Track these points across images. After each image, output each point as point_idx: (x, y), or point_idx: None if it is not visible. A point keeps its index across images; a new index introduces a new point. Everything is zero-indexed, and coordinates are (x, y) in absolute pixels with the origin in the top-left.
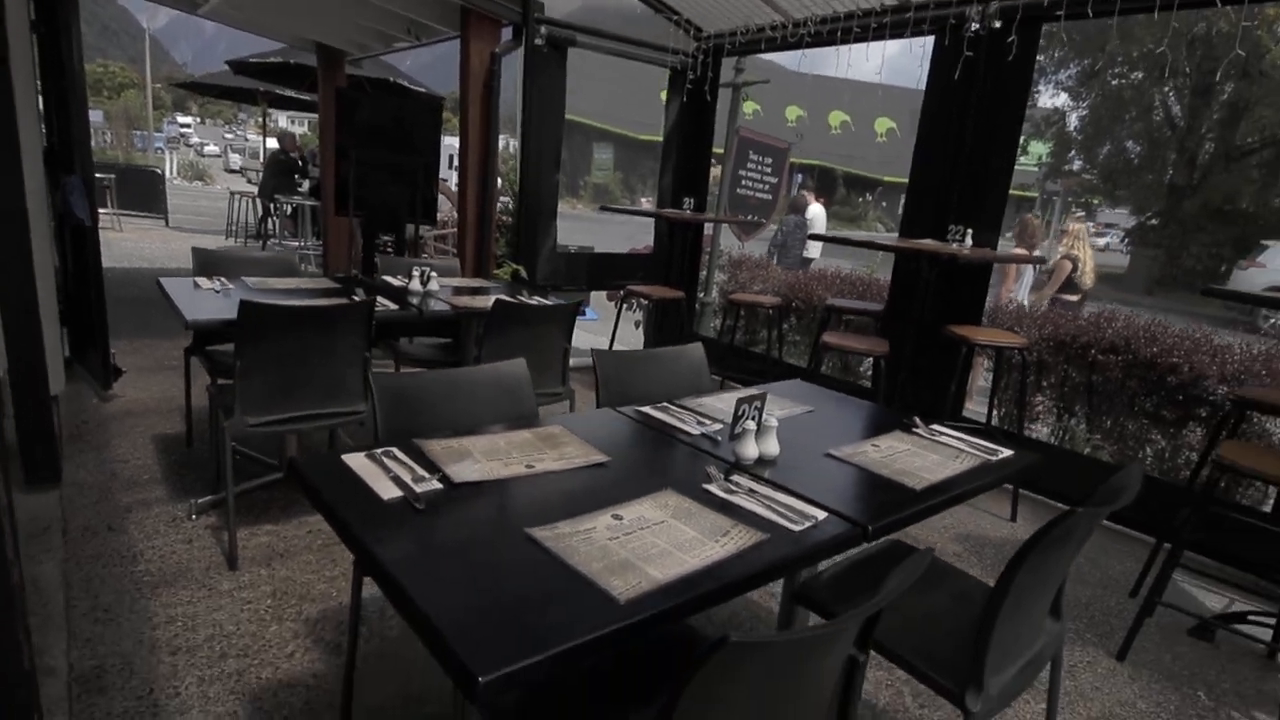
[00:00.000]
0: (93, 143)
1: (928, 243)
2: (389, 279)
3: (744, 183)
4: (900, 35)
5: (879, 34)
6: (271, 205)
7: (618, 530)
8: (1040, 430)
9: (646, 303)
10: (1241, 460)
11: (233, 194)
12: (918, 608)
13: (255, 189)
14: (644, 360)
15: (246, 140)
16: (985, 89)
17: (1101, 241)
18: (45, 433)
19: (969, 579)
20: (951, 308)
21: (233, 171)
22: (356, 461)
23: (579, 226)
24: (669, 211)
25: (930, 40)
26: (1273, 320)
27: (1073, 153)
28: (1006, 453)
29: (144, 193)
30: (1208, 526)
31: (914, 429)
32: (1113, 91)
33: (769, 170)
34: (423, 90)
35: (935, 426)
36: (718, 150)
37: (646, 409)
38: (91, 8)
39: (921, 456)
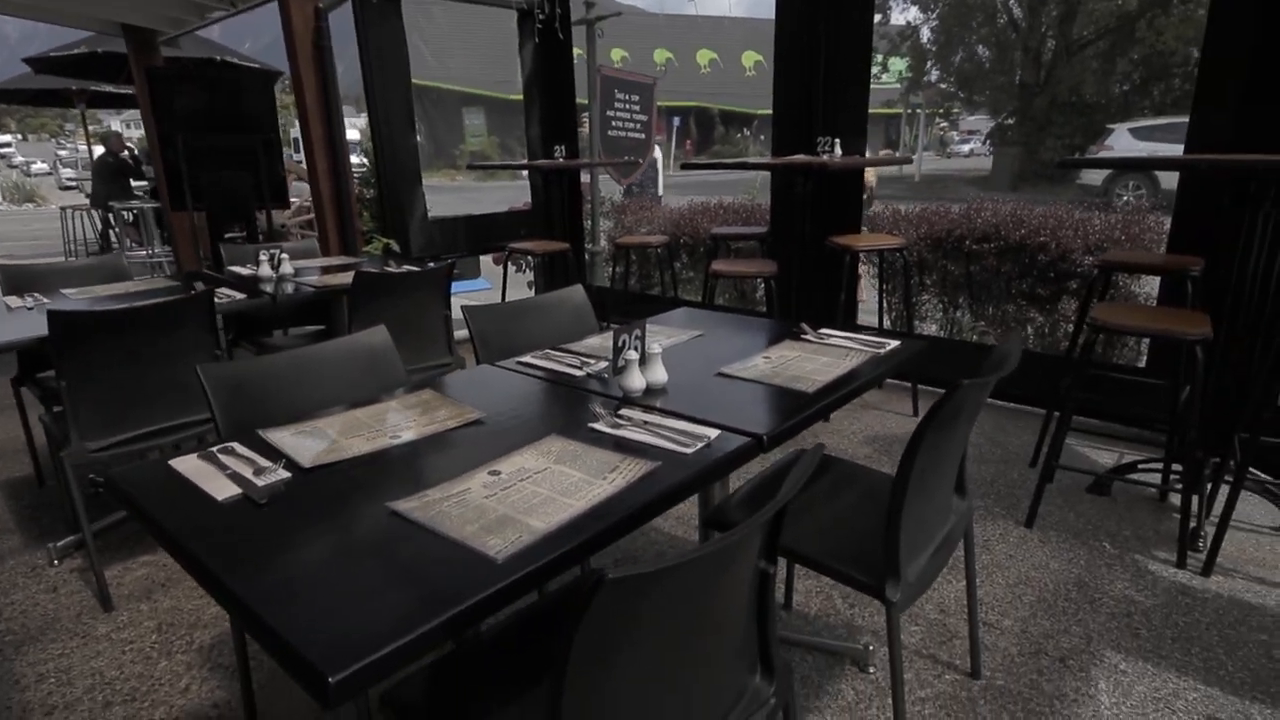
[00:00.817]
0: None
1: (798, 157)
2: (237, 269)
3: (614, 124)
4: None
5: None
6: (109, 214)
7: (495, 486)
8: (930, 327)
9: (534, 260)
10: (1111, 319)
11: (64, 210)
12: (829, 510)
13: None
14: (522, 311)
15: (78, 151)
16: None
17: (966, 148)
18: None
19: (876, 474)
20: (831, 220)
21: (68, 187)
22: (187, 465)
23: (462, 198)
24: (541, 162)
25: None
26: (1125, 197)
27: (929, 64)
28: (893, 344)
29: None
30: (1089, 388)
31: (803, 335)
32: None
33: (638, 108)
34: (256, 66)
35: (825, 330)
36: (582, 101)
37: (527, 358)
38: None
39: (813, 360)
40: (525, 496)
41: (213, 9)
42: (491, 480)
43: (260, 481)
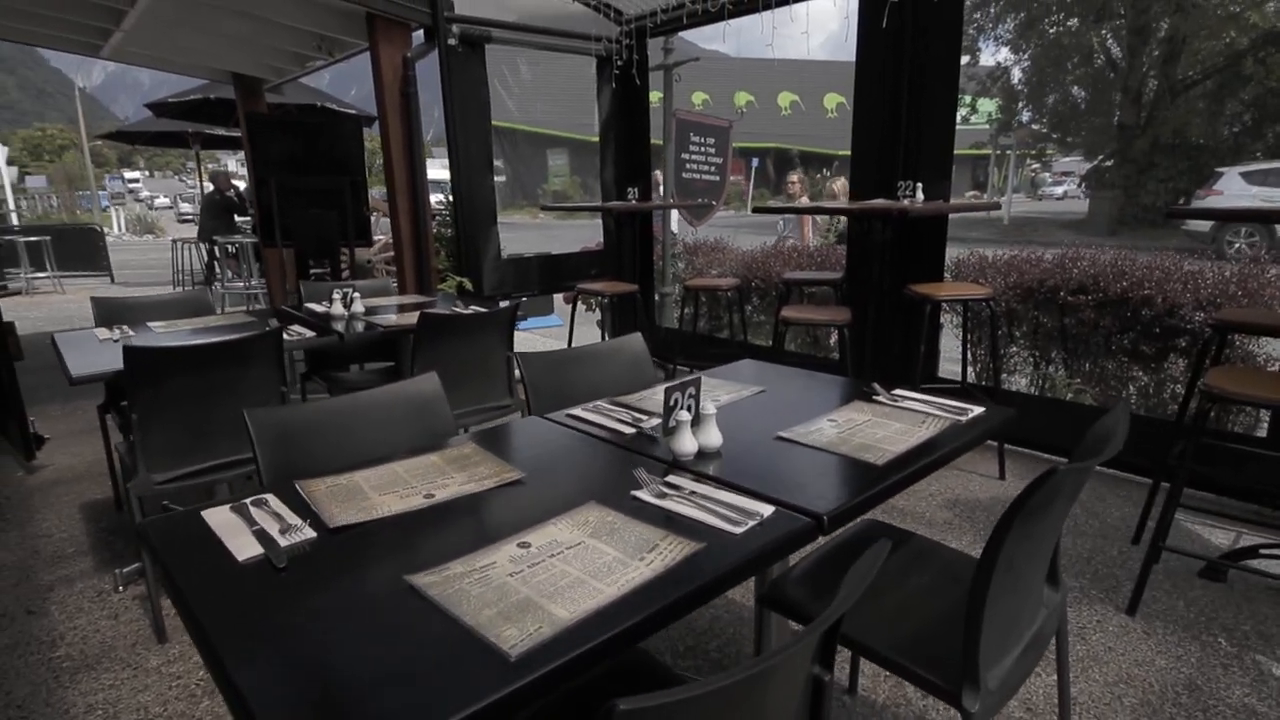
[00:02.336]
0: (39, 207)
1: (877, 202)
2: (313, 306)
3: (689, 166)
4: None
5: None
6: (213, 247)
7: (522, 561)
8: (1019, 381)
9: (603, 300)
10: (1230, 386)
11: (175, 242)
12: (899, 594)
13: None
14: (577, 359)
15: (194, 188)
16: (917, 32)
17: (1059, 190)
18: None
19: (955, 554)
20: (911, 267)
21: (184, 221)
22: (218, 517)
23: (543, 235)
24: (613, 204)
25: None
26: (1237, 245)
27: (1021, 105)
28: (977, 410)
29: (85, 252)
30: (1203, 460)
31: (875, 397)
32: (1052, 40)
33: (713, 151)
34: (353, 112)
35: (899, 391)
36: (657, 142)
37: (576, 410)
38: (23, 73)
39: (884, 426)
40: (553, 577)
41: (311, 59)
42: (520, 554)
43: (284, 540)
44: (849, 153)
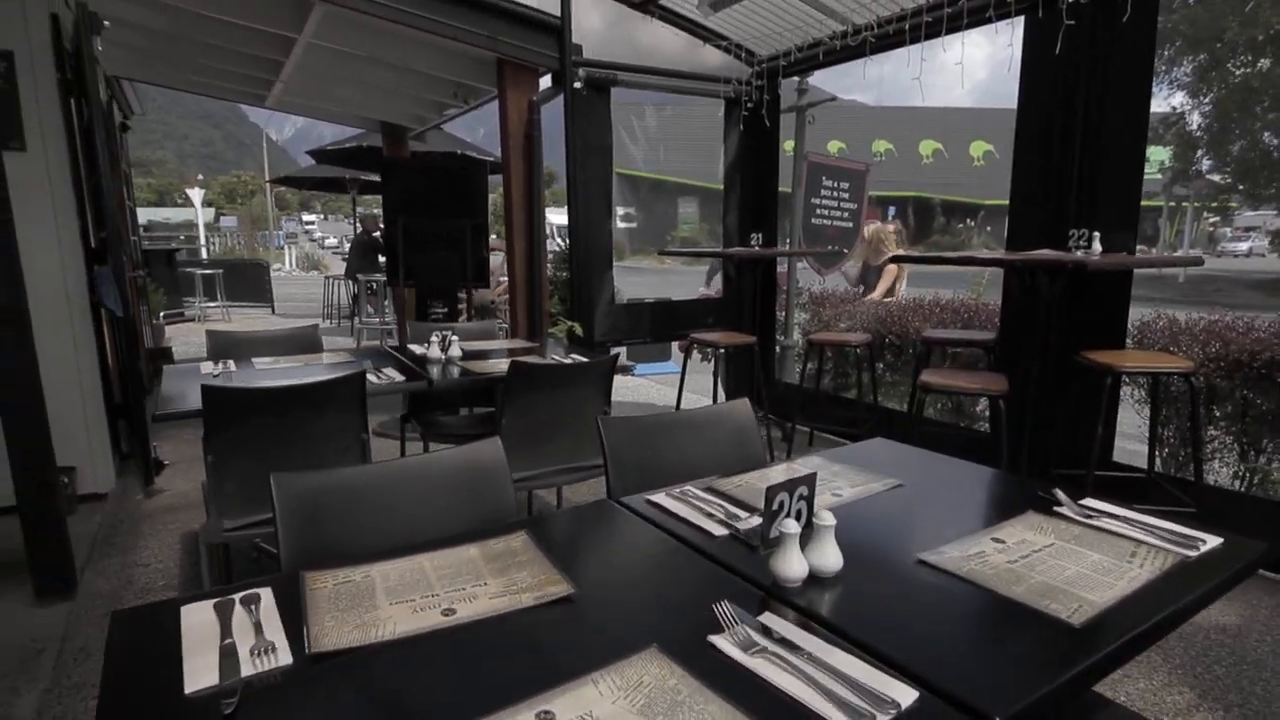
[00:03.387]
0: (228, 243)
1: (1044, 253)
2: (414, 347)
3: (819, 211)
4: (981, 20)
5: (954, 24)
6: (357, 285)
7: None
8: (1219, 471)
9: (718, 352)
10: None
11: (326, 278)
12: None
13: None
14: (669, 427)
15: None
16: (1095, 59)
17: (1244, 247)
18: (54, 544)
19: None
20: (1084, 329)
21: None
22: (196, 616)
23: (666, 280)
24: (734, 250)
25: (1020, 21)
26: None
27: (1199, 153)
28: (1213, 541)
29: (252, 284)
30: None
31: (1057, 507)
32: (1239, 82)
33: (846, 196)
34: (491, 159)
35: (1089, 503)
36: (785, 190)
37: (659, 496)
38: (228, 128)
39: (1075, 557)
40: None
41: (448, 106)
42: None
43: (250, 666)
44: (997, 202)
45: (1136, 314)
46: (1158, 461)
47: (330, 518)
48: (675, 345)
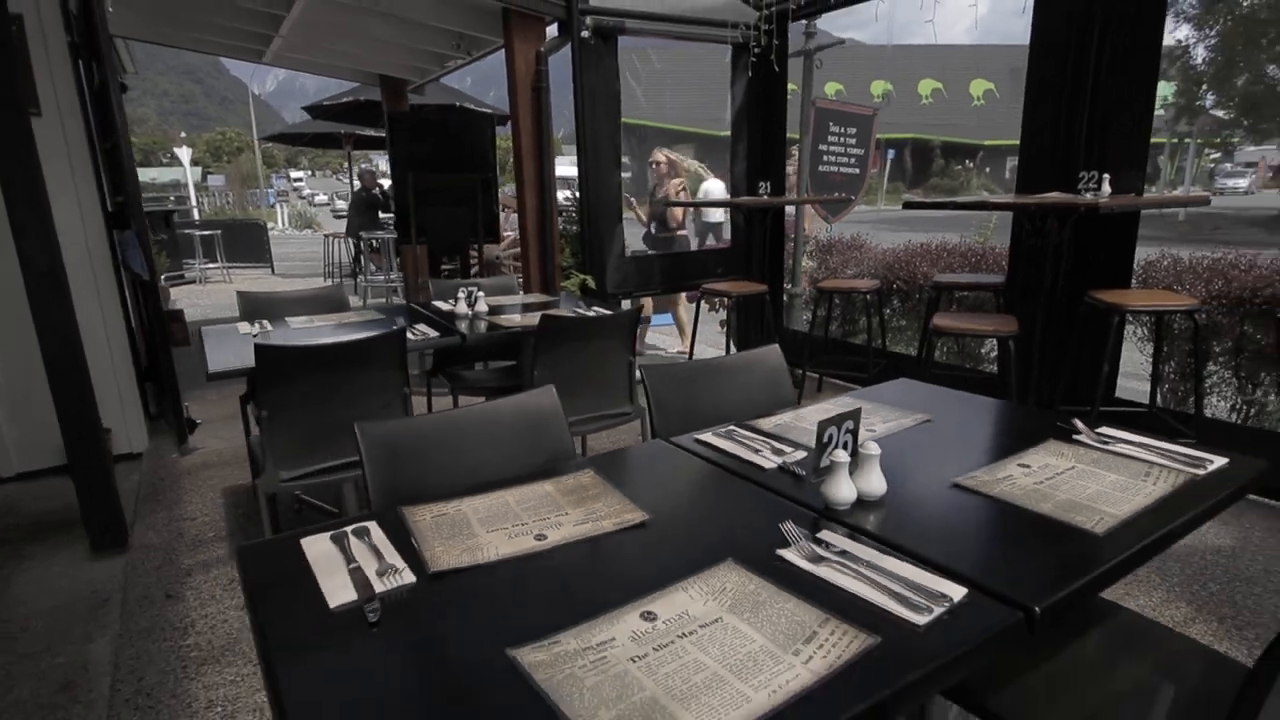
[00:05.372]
0: (217, 203)
1: (1054, 196)
2: (439, 304)
3: (826, 158)
4: None
5: None
6: (359, 242)
7: (647, 641)
8: (1217, 405)
9: (729, 301)
10: None
11: (326, 237)
12: (1103, 690)
13: None
14: (707, 372)
15: (349, 186)
16: None
17: (1243, 183)
18: (105, 498)
19: (1175, 638)
20: (1091, 271)
21: (339, 216)
22: (316, 548)
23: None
24: (743, 199)
25: None
26: None
27: (1203, 88)
28: (1219, 461)
29: (251, 244)
30: None
31: (1076, 435)
32: (1245, 14)
33: (853, 141)
34: (488, 111)
35: (1105, 430)
36: (793, 135)
37: (708, 436)
38: (209, 83)
39: (1095, 478)
40: (684, 668)
41: (451, 58)
42: (644, 630)
43: (380, 585)
44: (998, 142)
45: (1141, 254)
46: (1159, 397)
47: (409, 461)
48: (682, 297)
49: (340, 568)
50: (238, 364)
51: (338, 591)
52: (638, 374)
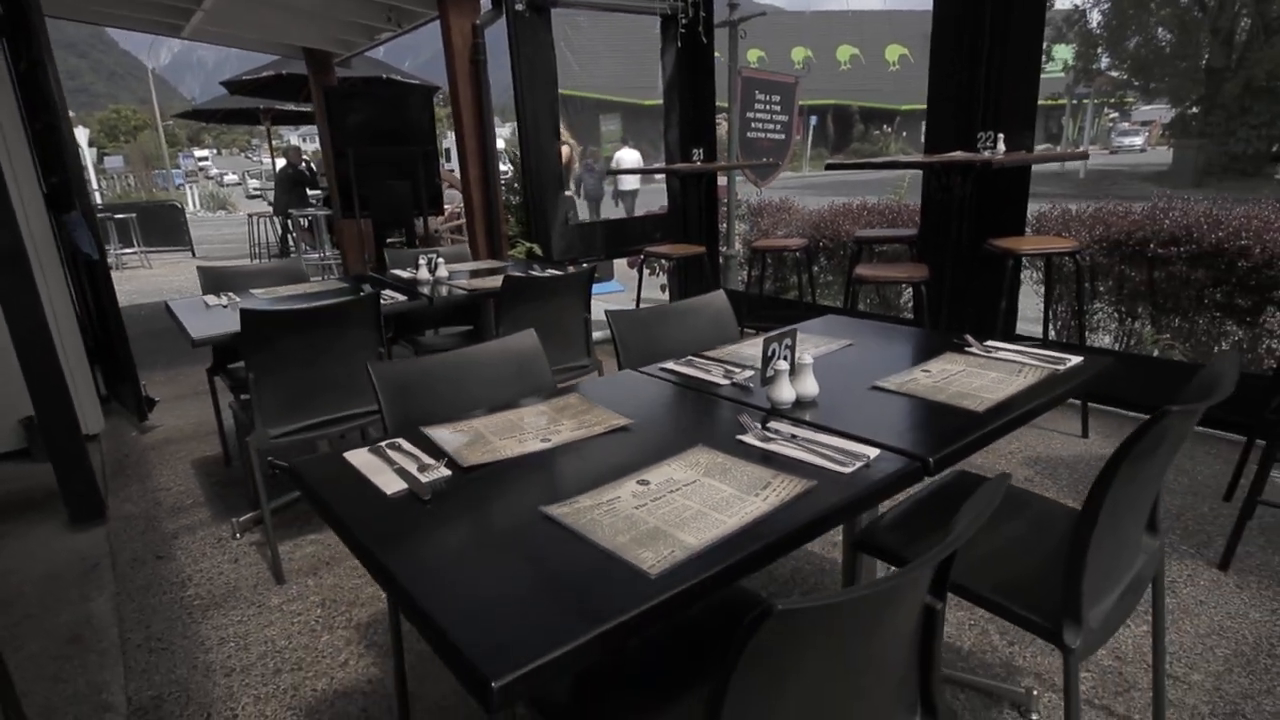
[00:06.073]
0: (117, 186)
1: (957, 155)
2: (398, 272)
3: (754, 125)
4: None
5: None
6: (288, 221)
7: (645, 496)
8: (1103, 339)
9: (668, 264)
10: None
11: (250, 216)
12: (995, 540)
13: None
14: (663, 316)
15: (262, 164)
16: None
17: (1138, 141)
18: (81, 470)
19: (1049, 502)
20: (990, 221)
21: (253, 196)
22: (360, 459)
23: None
24: (679, 166)
25: None
26: None
27: (1099, 50)
28: (1074, 360)
29: (167, 228)
30: None
31: (967, 348)
32: None
33: (778, 109)
34: (417, 82)
35: (991, 343)
36: (722, 104)
37: (670, 364)
38: (96, 56)
39: (979, 376)
40: (676, 509)
41: (381, 30)
42: (641, 490)
43: (424, 478)
44: (913, 107)
45: (1037, 207)
46: (1051, 332)
47: (418, 394)
48: (621, 264)
49: (385, 470)
50: (218, 331)
51: (390, 484)
52: (605, 330)
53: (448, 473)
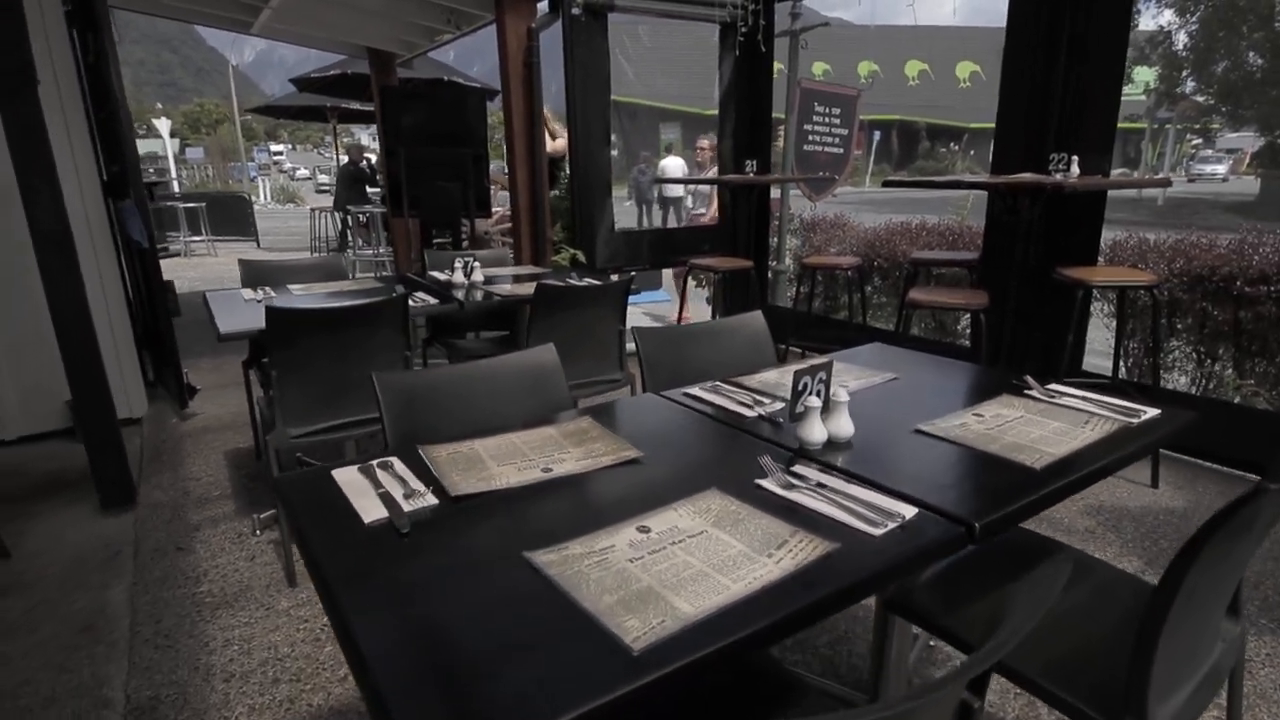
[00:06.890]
0: (196, 176)
1: (1025, 176)
2: (436, 274)
3: (811, 138)
4: None
5: None
6: (346, 216)
7: (642, 547)
8: (1179, 379)
9: (715, 276)
10: None
11: (313, 210)
12: (1051, 609)
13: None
14: (695, 336)
15: (331, 160)
16: None
17: (1221, 169)
18: (114, 456)
19: (1112, 570)
20: (1060, 248)
21: (322, 191)
22: (346, 476)
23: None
24: (730, 177)
25: None
26: None
27: (1184, 73)
28: (1151, 412)
29: (235, 218)
30: None
31: (1027, 390)
32: (1225, 1)
33: (838, 122)
34: (477, 85)
35: (1054, 386)
36: (779, 115)
37: (695, 390)
38: (185, 53)
39: (1039, 425)
40: (675, 566)
41: (441, 32)
42: (639, 539)
43: (408, 505)
44: (983, 125)
45: (1111, 235)
46: (1122, 370)
47: (422, 408)
48: (669, 274)
49: (369, 493)
50: (247, 326)
51: (370, 511)
52: (630, 344)
53: (434, 501)
